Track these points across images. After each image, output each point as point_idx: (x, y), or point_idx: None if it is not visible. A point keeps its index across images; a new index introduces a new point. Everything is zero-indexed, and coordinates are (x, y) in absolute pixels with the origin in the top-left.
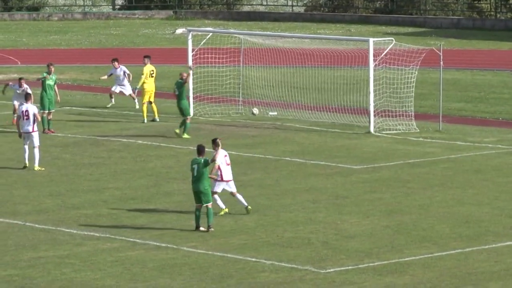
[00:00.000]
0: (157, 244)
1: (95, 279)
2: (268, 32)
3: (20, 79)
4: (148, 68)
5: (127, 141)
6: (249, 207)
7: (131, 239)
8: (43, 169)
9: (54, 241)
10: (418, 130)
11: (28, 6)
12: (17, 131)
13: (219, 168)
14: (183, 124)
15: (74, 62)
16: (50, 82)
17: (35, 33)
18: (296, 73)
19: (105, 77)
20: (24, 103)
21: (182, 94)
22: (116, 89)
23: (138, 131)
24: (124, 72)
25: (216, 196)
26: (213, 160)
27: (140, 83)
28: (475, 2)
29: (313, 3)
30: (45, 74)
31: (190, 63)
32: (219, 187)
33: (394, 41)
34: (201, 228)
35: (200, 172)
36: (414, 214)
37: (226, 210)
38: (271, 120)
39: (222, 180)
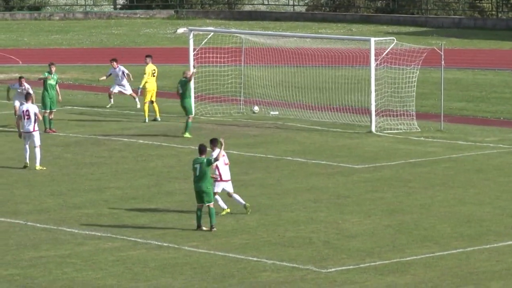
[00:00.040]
0: (159, 243)
1: (97, 278)
2: (270, 32)
3: (20, 77)
4: (150, 67)
5: (128, 141)
6: (247, 204)
7: (133, 239)
8: (44, 168)
9: (56, 240)
10: (420, 130)
11: (29, 6)
12: (17, 131)
13: (217, 167)
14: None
15: (76, 61)
16: (51, 81)
17: (37, 32)
18: (297, 73)
19: (104, 77)
20: (25, 103)
21: (185, 92)
22: (115, 89)
23: (140, 130)
24: (123, 72)
25: (217, 196)
26: (217, 159)
27: (142, 83)
28: (476, 1)
29: (314, 3)
30: (46, 74)
31: (193, 69)
32: (219, 187)
33: (395, 41)
34: (203, 228)
35: (203, 172)
36: (415, 213)
37: (228, 210)
38: (272, 119)
39: (221, 180)
